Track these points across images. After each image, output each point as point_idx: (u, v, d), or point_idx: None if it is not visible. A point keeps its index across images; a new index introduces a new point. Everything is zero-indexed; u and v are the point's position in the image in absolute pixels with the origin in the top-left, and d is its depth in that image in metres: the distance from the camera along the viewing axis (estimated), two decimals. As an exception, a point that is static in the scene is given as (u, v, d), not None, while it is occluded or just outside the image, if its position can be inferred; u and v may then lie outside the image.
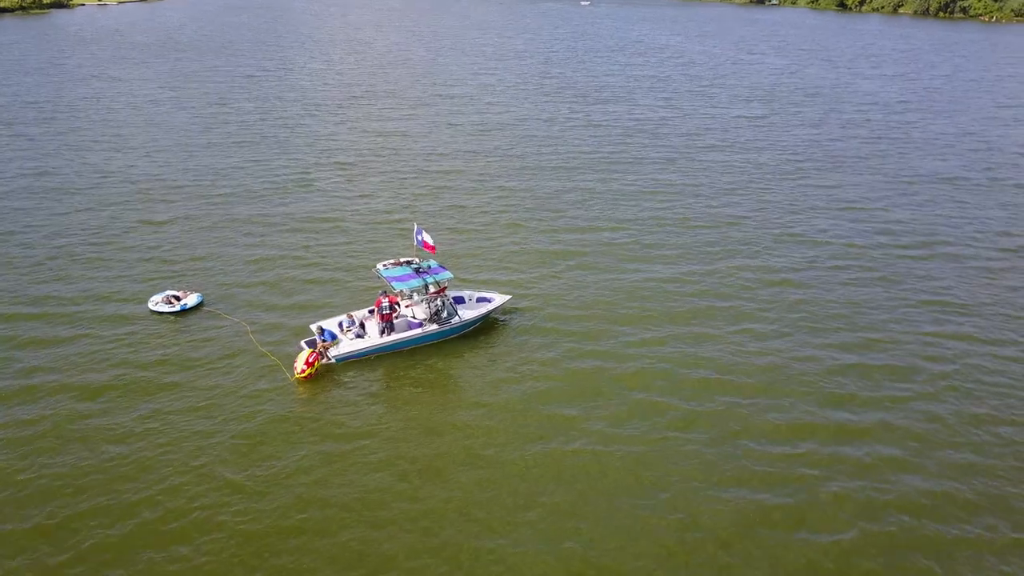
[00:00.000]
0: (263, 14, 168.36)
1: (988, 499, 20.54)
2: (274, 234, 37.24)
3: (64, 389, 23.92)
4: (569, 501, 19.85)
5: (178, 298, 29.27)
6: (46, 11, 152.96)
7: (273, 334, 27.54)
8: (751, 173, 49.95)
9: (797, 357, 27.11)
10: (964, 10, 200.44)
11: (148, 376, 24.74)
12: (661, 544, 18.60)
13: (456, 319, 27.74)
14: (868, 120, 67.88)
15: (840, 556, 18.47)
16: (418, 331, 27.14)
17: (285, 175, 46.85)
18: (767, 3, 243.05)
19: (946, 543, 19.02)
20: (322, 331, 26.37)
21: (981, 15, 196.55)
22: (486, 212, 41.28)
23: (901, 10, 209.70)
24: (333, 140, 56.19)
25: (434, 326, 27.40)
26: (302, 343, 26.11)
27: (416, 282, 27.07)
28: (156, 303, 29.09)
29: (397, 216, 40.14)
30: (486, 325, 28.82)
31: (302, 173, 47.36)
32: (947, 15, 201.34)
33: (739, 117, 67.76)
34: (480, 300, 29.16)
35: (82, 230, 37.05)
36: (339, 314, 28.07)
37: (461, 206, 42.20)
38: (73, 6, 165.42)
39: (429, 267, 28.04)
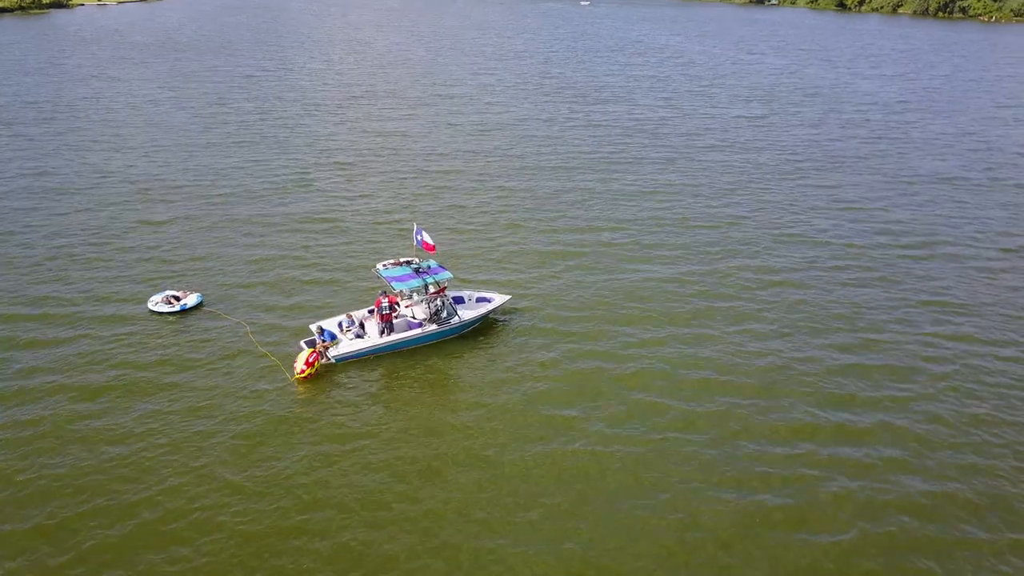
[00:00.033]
0: (262, 14, 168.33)
1: (988, 499, 20.54)
2: (274, 234, 37.23)
3: (63, 390, 23.90)
4: (569, 502, 19.85)
5: (178, 298, 29.26)
6: (45, 11, 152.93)
7: (273, 334, 27.53)
8: (751, 173, 49.95)
9: (797, 357, 27.10)
10: (963, 10, 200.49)
11: (148, 377, 24.73)
12: (661, 544, 18.59)
13: (456, 319, 27.74)
14: (867, 120, 67.89)
15: (840, 556, 18.47)
16: (418, 331, 27.13)
17: (285, 175, 46.84)
18: (766, 3, 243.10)
19: (946, 544, 19.02)
20: (322, 331, 26.36)
21: (980, 15, 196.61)
22: (486, 212, 41.27)
23: (900, 10, 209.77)
24: (333, 140, 56.19)
25: (434, 326, 27.39)
26: (302, 343, 26.09)
27: (416, 282, 27.06)
28: (156, 303, 29.07)
29: (397, 216, 40.13)
30: (486, 325, 28.81)
31: (302, 173, 47.35)
32: (946, 15, 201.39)
33: (739, 117, 67.76)
34: (480, 300, 29.15)
35: (81, 230, 37.03)
36: (339, 314, 28.06)
37: (461, 206, 42.19)
38: (72, 6, 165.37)
39: (429, 267, 28.03)
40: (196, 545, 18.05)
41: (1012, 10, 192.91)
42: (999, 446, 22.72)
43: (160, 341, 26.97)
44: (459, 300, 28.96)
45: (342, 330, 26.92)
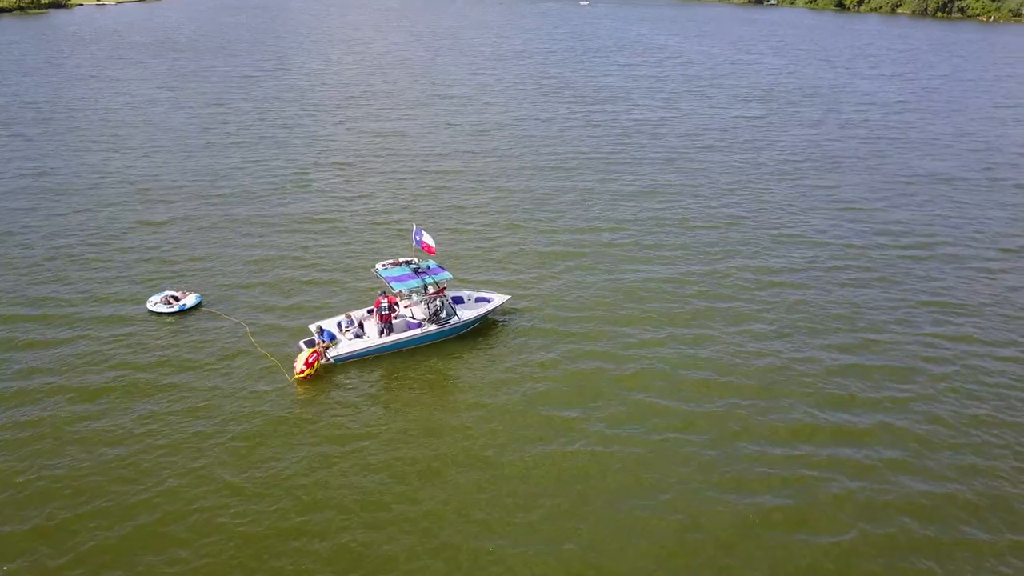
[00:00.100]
0: (261, 14, 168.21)
1: (989, 500, 20.54)
2: (273, 234, 37.19)
3: (63, 391, 23.86)
4: (569, 502, 19.83)
5: (177, 299, 29.22)
6: (44, 11, 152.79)
7: (272, 335, 27.49)
8: (750, 173, 49.95)
9: (796, 358, 27.09)
10: (962, 10, 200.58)
11: (147, 377, 24.69)
12: (661, 545, 18.58)
13: (455, 319, 27.71)
14: (866, 120, 67.91)
15: (840, 557, 18.46)
16: (417, 331, 27.11)
17: (284, 175, 46.80)
18: (765, 3, 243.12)
19: (946, 544, 19.01)
20: (321, 331, 26.33)
21: (979, 15, 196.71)
22: (485, 212, 41.25)
23: (899, 10, 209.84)
24: (332, 140, 56.14)
25: (433, 326, 27.36)
26: (301, 343, 26.06)
27: (415, 282, 27.04)
28: (155, 304, 29.03)
29: (396, 216, 40.10)
30: (485, 326, 28.79)
31: (301, 173, 47.31)
32: (945, 15, 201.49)
33: (738, 117, 67.77)
34: (479, 300, 29.13)
35: (80, 231, 36.98)
36: (338, 314, 28.02)
37: (460, 206, 42.17)
38: (71, 6, 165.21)
39: (428, 267, 28.02)
40: (195, 546, 18.02)
41: (1010, 10, 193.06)
42: (999, 447, 22.72)
43: (159, 342, 26.94)
44: (458, 300, 28.94)
45: (341, 330, 26.89)
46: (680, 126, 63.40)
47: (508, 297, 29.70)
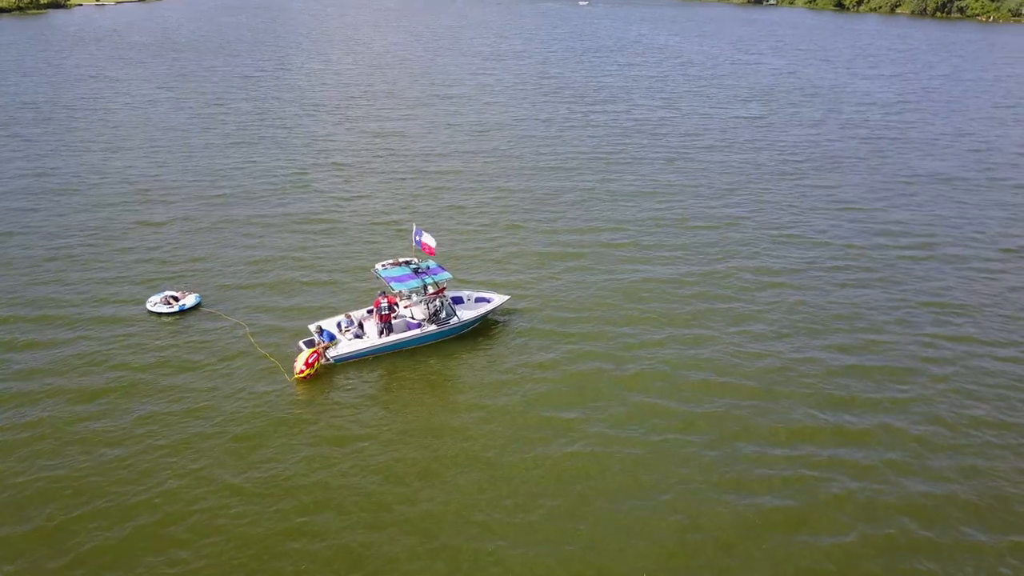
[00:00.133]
0: (261, 14, 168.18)
1: (989, 501, 20.53)
2: (272, 235, 37.18)
3: (62, 391, 23.84)
4: (569, 503, 19.82)
5: (176, 299, 29.21)
6: (43, 11, 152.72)
7: (272, 335, 27.47)
8: (750, 173, 49.95)
9: (796, 359, 27.08)
10: (961, 10, 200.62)
11: (146, 378, 24.67)
12: (661, 546, 18.57)
13: (455, 319, 27.70)
14: (866, 120, 67.92)
15: (841, 558, 18.45)
16: (417, 332, 27.10)
17: (283, 176, 46.78)
18: (765, 3, 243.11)
19: (947, 545, 19.00)
20: (321, 331, 26.32)
21: (978, 15, 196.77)
22: (484, 212, 41.24)
23: (898, 10, 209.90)
24: (331, 140, 56.13)
25: (433, 327, 27.35)
26: (301, 343, 26.05)
27: (415, 282, 27.04)
28: (154, 304, 29.02)
29: (395, 216, 40.09)
30: (485, 326, 28.78)
31: (300, 174, 47.29)
32: (944, 15, 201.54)
33: (737, 117, 67.76)
34: (479, 300, 29.13)
35: (80, 231, 36.96)
36: (338, 315, 28.01)
37: (459, 207, 42.15)
38: (71, 6, 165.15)
39: (428, 267, 28.01)
40: (195, 547, 18.01)
41: (1010, 10, 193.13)
42: (999, 447, 22.72)
43: (159, 342, 26.92)
44: (458, 300, 28.93)
45: (341, 330, 26.88)
46: (680, 126, 63.40)
47: (508, 297, 29.69)
